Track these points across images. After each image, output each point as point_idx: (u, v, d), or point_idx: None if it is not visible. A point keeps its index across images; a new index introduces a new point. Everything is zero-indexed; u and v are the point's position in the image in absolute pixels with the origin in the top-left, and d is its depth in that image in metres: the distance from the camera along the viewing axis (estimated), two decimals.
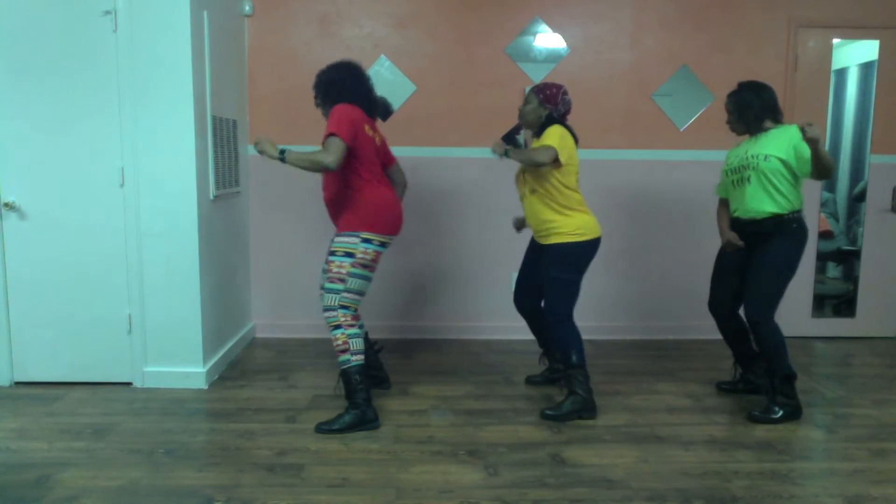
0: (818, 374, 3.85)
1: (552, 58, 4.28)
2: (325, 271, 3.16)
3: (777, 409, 3.09)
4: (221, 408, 3.23)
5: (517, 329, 4.42)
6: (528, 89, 3.22)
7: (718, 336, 4.48)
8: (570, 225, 3.11)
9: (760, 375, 3.30)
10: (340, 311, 2.96)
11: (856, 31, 4.37)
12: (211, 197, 3.58)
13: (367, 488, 2.46)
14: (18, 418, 3.05)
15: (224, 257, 3.84)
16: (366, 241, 2.96)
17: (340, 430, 2.92)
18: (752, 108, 3.12)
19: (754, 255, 3.14)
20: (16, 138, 3.29)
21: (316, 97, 3.12)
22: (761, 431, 3.00)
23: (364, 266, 2.98)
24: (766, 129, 3.12)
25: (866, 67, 4.70)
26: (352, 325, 2.97)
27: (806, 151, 2.89)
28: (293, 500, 2.37)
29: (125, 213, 3.35)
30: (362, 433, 2.91)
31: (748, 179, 3.09)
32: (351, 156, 2.91)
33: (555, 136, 3.05)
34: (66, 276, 3.38)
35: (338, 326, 2.95)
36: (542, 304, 3.31)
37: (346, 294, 2.96)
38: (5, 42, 3.23)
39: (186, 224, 3.37)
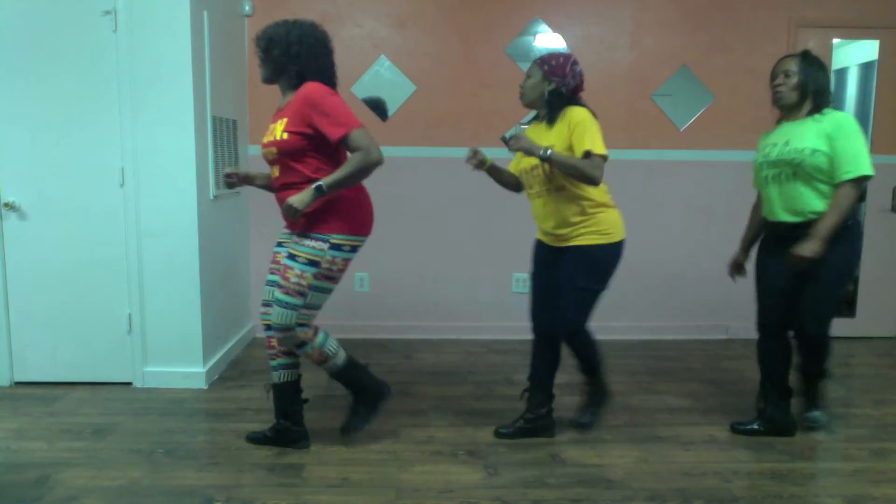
0: None
1: None
2: (273, 272, 2.72)
3: (819, 411, 2.99)
4: (221, 408, 3.22)
5: (517, 329, 4.41)
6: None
7: (718, 336, 4.53)
8: (600, 223, 2.68)
9: (787, 412, 2.96)
10: (299, 330, 2.56)
11: (856, 31, 4.37)
12: (211, 197, 3.58)
13: (367, 488, 2.46)
14: (18, 418, 3.05)
15: (224, 257, 3.84)
16: (335, 247, 2.52)
17: (367, 422, 2.79)
18: (814, 83, 2.75)
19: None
20: (16, 138, 3.29)
21: (265, 55, 2.55)
22: None
23: (329, 278, 2.55)
24: (812, 114, 2.74)
25: (866, 67, 4.70)
26: (315, 336, 2.61)
27: (838, 152, 2.64)
28: (293, 500, 2.37)
29: (125, 213, 3.35)
30: (361, 434, 2.88)
31: (793, 175, 2.71)
32: (320, 143, 2.48)
33: (590, 131, 2.54)
34: (66, 275, 3.37)
35: (302, 344, 2.60)
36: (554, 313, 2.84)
37: (304, 310, 2.55)
38: (5, 42, 3.23)
39: (186, 224, 3.37)
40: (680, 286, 4.48)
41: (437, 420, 3.09)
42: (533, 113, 2.87)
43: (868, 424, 3.11)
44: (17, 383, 3.46)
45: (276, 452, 2.73)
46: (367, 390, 2.78)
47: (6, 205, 3.33)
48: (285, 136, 2.47)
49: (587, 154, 2.54)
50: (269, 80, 2.59)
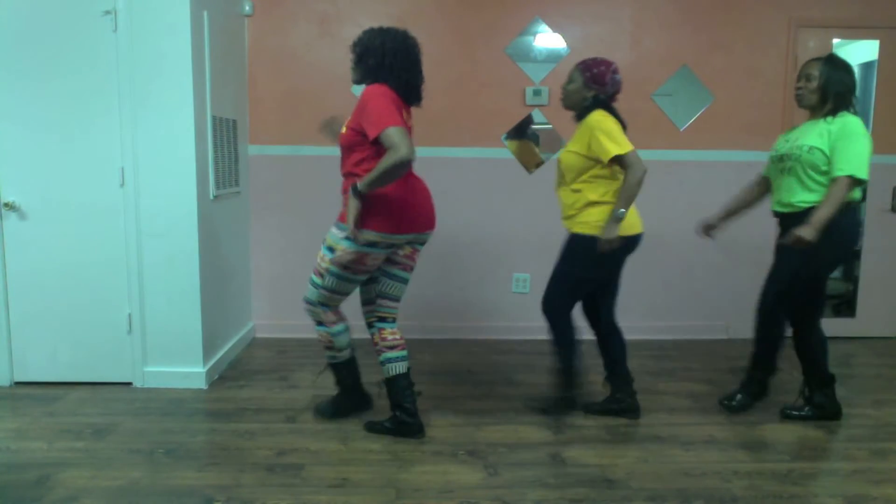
0: None
1: (552, 58, 4.28)
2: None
3: (809, 409, 3.09)
4: (221, 408, 3.23)
5: (517, 329, 4.43)
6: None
7: (718, 336, 4.53)
8: (594, 214, 2.84)
9: (832, 398, 3.13)
10: (321, 309, 2.87)
11: (856, 31, 4.37)
12: (211, 197, 3.58)
13: (367, 488, 2.46)
14: (18, 418, 3.05)
15: (224, 257, 3.84)
16: (349, 238, 2.66)
17: (331, 417, 3.04)
18: (835, 86, 2.83)
19: (781, 255, 2.96)
20: (16, 138, 3.29)
21: (359, 61, 2.73)
22: (761, 431, 3.00)
23: (342, 266, 2.71)
24: (827, 116, 2.85)
25: (866, 67, 4.69)
26: (334, 322, 2.89)
27: (837, 150, 2.76)
28: (293, 500, 2.37)
29: (125, 213, 3.35)
30: (361, 434, 2.91)
31: (789, 170, 2.89)
32: (378, 147, 2.54)
33: (604, 137, 2.73)
34: (66, 275, 3.37)
35: (319, 323, 2.89)
36: (611, 316, 3.15)
37: (323, 291, 2.82)
38: (5, 42, 3.23)
39: (186, 224, 3.37)
40: (680, 286, 4.48)
41: (437, 420, 3.09)
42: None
43: (868, 424, 3.11)
44: (17, 383, 3.46)
45: (276, 452, 2.73)
46: (348, 396, 3.06)
47: (6, 205, 3.33)
48: (344, 130, 2.71)
49: (615, 160, 2.78)
50: (359, 83, 2.77)
